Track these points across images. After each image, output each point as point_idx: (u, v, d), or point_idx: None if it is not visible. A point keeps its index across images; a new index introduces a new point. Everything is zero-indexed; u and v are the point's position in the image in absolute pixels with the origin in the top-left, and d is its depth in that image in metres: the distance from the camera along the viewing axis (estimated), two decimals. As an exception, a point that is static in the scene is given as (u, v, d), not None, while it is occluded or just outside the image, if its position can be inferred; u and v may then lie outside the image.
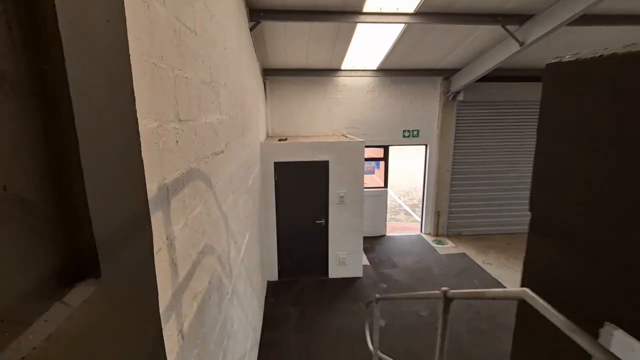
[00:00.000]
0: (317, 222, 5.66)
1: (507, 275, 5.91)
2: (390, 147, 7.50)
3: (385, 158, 7.58)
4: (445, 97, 7.06)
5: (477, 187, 7.68)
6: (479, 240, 7.53)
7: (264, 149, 5.29)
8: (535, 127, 1.10)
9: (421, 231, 7.99)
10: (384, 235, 7.81)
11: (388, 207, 7.81)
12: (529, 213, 1.15)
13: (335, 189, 5.57)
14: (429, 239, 7.54)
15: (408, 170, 16.25)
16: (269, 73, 6.58)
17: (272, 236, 5.61)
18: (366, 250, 6.75)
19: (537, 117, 1.10)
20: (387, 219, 7.95)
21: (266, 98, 6.82)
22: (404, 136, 7.32)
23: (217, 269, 1.95)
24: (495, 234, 7.89)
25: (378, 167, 7.78)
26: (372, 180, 8.27)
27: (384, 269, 6.20)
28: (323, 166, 5.49)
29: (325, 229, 5.71)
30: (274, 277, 5.79)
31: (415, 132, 7.33)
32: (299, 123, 7.05)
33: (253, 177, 4.06)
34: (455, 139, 7.34)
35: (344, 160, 5.49)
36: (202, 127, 1.66)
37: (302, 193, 5.54)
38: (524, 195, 7.84)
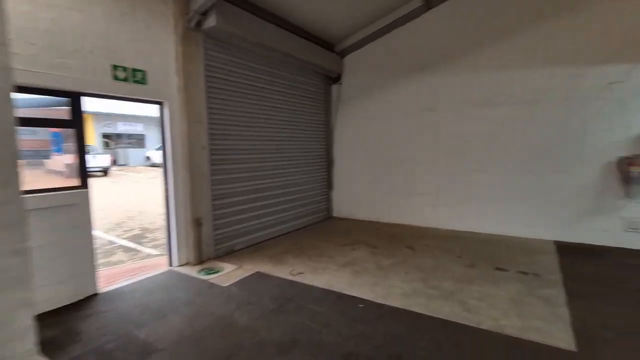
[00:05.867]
0: None
1: (336, 279, 3.85)
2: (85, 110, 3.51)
3: (75, 123, 3.49)
4: (184, 22, 4.20)
5: (248, 174, 5.28)
6: (260, 250, 5.09)
7: None
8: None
9: (171, 265, 4.44)
10: (97, 295, 3.57)
11: (94, 247, 3.63)
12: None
13: None
14: (192, 273, 4.18)
15: (112, 190, 10.95)
16: None
17: None
18: (52, 347, 2.50)
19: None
20: (97, 263, 3.71)
21: None
22: (116, 78, 3.66)
23: None
24: (274, 236, 5.80)
25: (60, 150, 3.53)
26: (50, 176, 3.55)
27: (123, 374, 2.28)
28: None
29: None
30: None
31: (138, 75, 3.87)
32: None
33: None
34: (208, 96, 4.60)
35: None
36: None
37: None
38: (305, 181, 6.37)
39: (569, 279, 3.69)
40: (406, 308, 3.09)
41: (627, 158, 4.63)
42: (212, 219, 4.69)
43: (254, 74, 5.33)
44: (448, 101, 5.94)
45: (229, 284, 3.77)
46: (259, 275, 4.03)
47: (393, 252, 4.83)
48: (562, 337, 2.52)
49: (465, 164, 5.88)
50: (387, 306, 3.14)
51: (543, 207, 5.27)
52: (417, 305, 3.14)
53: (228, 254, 4.89)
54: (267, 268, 4.27)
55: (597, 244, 4.89)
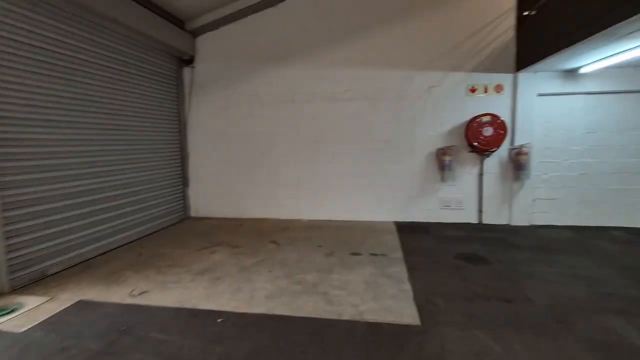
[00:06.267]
0: None
1: (190, 292, 3.30)
2: None
3: None
4: None
5: (68, 173, 3.99)
6: (90, 269, 3.98)
7: None
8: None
9: None
10: None
11: None
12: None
13: None
14: (-35, 319, 2.86)
15: None
16: None
17: None
18: None
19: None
20: None
21: None
22: None
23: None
24: (112, 249, 4.68)
25: None
26: None
27: None
28: None
29: None
30: None
31: None
32: None
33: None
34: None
35: None
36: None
37: None
38: (152, 178, 5.33)
39: (407, 254, 4.24)
40: (271, 312, 2.87)
41: (442, 149, 5.70)
42: (4, 238, 3.34)
43: (75, 42, 4.06)
44: (305, 94, 6.03)
45: (29, 326, 2.72)
46: (81, 306, 3.08)
47: (257, 249, 4.58)
48: (409, 314, 2.79)
49: (321, 155, 6.12)
50: (251, 314, 2.85)
51: (384, 193, 6.00)
52: (282, 307, 2.97)
53: (36, 282, 3.62)
54: (95, 293, 3.33)
55: (425, 221, 5.89)
